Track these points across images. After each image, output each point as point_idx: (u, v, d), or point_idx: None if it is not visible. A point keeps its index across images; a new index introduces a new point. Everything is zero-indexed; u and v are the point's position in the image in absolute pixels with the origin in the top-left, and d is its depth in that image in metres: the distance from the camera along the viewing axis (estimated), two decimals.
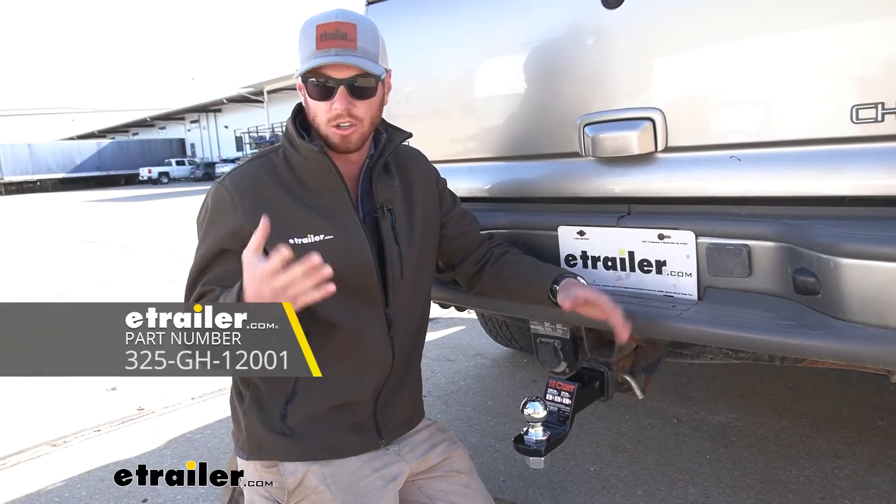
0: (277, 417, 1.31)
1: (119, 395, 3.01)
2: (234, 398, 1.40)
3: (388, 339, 1.36)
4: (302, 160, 1.29)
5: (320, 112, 1.26)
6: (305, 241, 1.26)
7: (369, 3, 2.01)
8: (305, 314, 1.24)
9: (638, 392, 1.59)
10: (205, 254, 1.29)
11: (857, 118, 1.14)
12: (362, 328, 1.32)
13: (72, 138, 58.68)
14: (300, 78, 1.26)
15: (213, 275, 1.27)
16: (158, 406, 2.83)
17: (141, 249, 8.65)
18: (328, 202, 1.30)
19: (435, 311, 1.79)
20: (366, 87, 1.25)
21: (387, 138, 1.38)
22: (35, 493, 2.14)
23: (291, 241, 1.24)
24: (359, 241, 1.31)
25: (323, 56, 1.21)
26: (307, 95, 1.27)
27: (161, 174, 40.68)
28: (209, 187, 1.35)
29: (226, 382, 3.01)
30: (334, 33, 1.22)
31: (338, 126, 1.25)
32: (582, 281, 1.40)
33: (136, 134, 58.12)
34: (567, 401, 1.43)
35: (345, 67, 1.22)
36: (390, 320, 1.36)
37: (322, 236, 1.27)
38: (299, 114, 1.35)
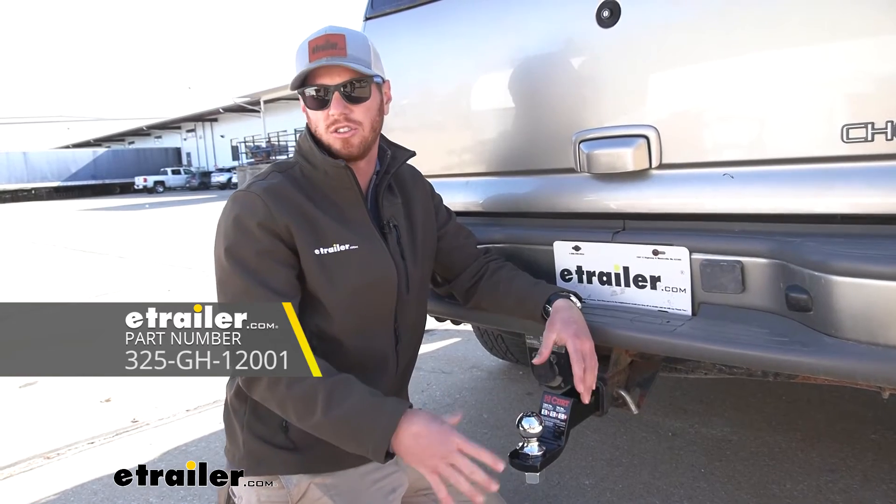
0: (278, 429, 1.30)
1: (113, 406, 2.99)
2: (229, 414, 1.38)
3: (395, 355, 1.38)
4: (322, 175, 1.30)
5: (320, 121, 1.27)
6: (331, 250, 1.26)
7: (367, 19, 2.03)
8: (314, 332, 1.25)
9: (633, 407, 1.59)
10: (249, 270, 1.19)
11: (848, 137, 1.16)
12: (372, 346, 1.32)
13: (67, 147, 58.70)
14: (299, 93, 1.28)
15: (275, 289, 1.20)
16: (153, 418, 2.81)
17: (136, 259, 8.62)
18: (349, 216, 1.31)
19: (430, 322, 1.80)
20: (360, 90, 1.27)
21: (391, 156, 1.40)
22: None
23: (317, 250, 1.25)
24: (381, 252, 1.32)
25: (314, 64, 1.23)
26: (306, 107, 1.29)
27: (157, 183, 40.69)
28: (226, 202, 1.27)
29: (221, 394, 3.00)
30: (325, 45, 1.24)
31: (336, 131, 1.26)
32: (575, 301, 1.40)
33: (132, 143, 58.12)
34: (563, 416, 1.43)
35: (336, 73, 1.24)
36: (398, 336, 1.38)
37: (347, 246, 1.28)
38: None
